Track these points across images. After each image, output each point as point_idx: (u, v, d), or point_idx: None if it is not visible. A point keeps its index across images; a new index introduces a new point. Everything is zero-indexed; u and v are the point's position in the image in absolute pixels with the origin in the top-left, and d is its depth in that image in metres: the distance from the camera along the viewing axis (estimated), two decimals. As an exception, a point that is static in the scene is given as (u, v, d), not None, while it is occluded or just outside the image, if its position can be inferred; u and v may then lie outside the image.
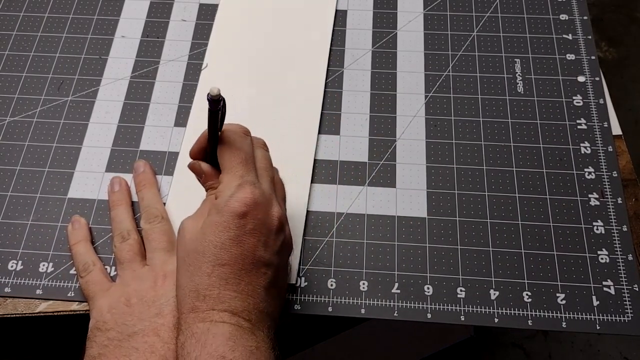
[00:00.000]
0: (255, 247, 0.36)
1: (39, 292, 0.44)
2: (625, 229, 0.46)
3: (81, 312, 0.44)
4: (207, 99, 0.35)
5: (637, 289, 0.43)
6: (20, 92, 0.53)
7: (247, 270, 0.36)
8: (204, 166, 0.40)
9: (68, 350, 0.59)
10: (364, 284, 0.44)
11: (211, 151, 0.39)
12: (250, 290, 0.35)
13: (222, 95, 0.35)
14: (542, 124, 0.51)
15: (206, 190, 0.41)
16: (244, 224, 0.36)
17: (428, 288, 0.44)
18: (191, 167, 0.41)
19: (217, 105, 0.36)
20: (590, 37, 0.55)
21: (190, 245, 0.37)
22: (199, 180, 0.41)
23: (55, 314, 0.44)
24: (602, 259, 0.45)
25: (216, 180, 0.40)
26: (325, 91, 0.53)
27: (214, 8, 0.58)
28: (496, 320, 0.43)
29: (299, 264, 0.45)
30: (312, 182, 0.48)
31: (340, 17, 0.57)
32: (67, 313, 0.44)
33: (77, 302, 0.44)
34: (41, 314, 0.44)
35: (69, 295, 0.44)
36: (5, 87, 0.53)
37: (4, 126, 0.51)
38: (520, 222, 0.46)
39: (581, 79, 0.53)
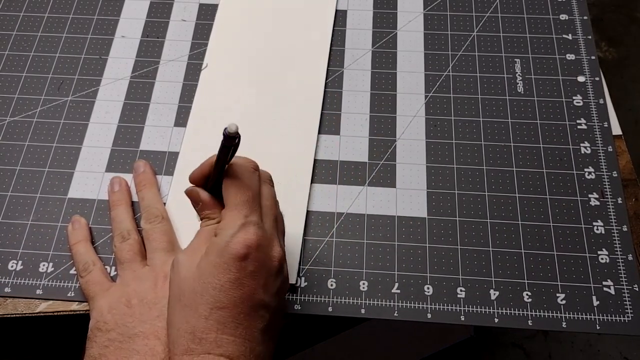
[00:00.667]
0: (255, 290, 0.35)
1: (39, 292, 0.44)
2: (625, 229, 0.46)
3: (81, 312, 0.44)
4: (223, 134, 0.34)
5: (637, 289, 0.43)
6: (20, 92, 0.53)
7: (246, 314, 0.35)
8: (203, 195, 0.39)
9: (68, 350, 0.59)
10: (364, 284, 0.44)
11: (215, 182, 0.38)
12: (247, 334, 0.34)
13: (239, 133, 0.34)
14: (542, 124, 0.50)
15: (200, 219, 0.40)
16: (244, 266, 0.35)
17: (428, 288, 0.44)
18: (188, 193, 0.40)
19: (232, 141, 0.35)
20: (590, 37, 0.55)
21: (185, 284, 0.35)
22: (195, 208, 0.40)
23: (55, 314, 0.44)
24: (602, 259, 0.45)
25: (214, 211, 0.39)
26: (325, 91, 0.53)
27: (214, 8, 0.58)
28: (496, 320, 0.43)
29: (299, 264, 0.45)
30: (312, 182, 0.48)
31: (340, 17, 0.57)
32: (67, 313, 0.44)
33: (77, 302, 0.44)
34: (41, 314, 0.44)
35: (69, 295, 0.44)
36: (5, 87, 0.53)
37: (4, 126, 0.51)
38: (520, 222, 0.46)
39: (581, 79, 0.53)
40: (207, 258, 0.35)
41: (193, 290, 0.35)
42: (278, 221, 0.40)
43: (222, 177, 0.37)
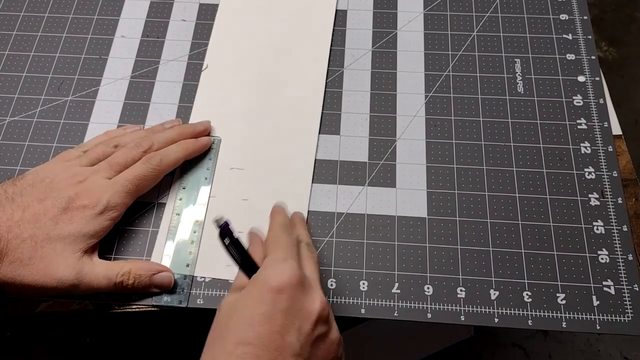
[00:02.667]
0: (286, 330, 0.32)
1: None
2: (625, 228, 0.46)
3: (81, 312, 0.44)
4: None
5: (637, 289, 0.43)
6: (20, 92, 0.53)
7: (271, 355, 0.31)
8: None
9: (68, 351, 0.59)
10: (364, 283, 0.44)
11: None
12: None
13: (223, 219, 0.36)
14: (542, 124, 0.50)
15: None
16: (278, 299, 0.33)
17: (428, 288, 0.44)
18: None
19: (223, 231, 0.36)
20: (590, 37, 0.55)
21: (221, 320, 0.34)
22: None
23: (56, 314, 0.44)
24: (602, 258, 0.45)
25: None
26: (325, 91, 0.53)
27: (214, 8, 0.58)
28: (496, 320, 0.43)
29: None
30: (312, 182, 0.48)
31: (340, 17, 0.57)
32: (68, 313, 0.44)
33: (77, 302, 0.44)
34: (41, 314, 0.44)
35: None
36: (5, 87, 0.53)
37: (4, 126, 0.51)
38: (520, 222, 0.46)
39: (581, 78, 0.53)
40: (245, 292, 0.35)
41: (226, 324, 0.33)
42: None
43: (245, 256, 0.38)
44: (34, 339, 0.62)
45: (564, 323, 0.42)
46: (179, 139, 0.47)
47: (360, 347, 0.80)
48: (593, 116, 0.51)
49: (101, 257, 0.44)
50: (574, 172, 0.48)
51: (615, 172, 0.48)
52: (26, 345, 0.62)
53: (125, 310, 0.44)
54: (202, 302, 0.44)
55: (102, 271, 0.41)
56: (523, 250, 0.45)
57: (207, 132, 0.50)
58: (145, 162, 0.44)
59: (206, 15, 0.57)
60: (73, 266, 0.40)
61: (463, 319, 0.43)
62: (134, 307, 0.44)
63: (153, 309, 0.44)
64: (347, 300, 0.44)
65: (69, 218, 0.41)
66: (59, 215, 0.40)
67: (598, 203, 0.47)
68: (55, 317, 0.44)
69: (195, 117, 0.51)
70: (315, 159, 0.49)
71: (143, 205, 0.47)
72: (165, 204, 0.47)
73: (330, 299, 0.44)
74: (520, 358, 1.03)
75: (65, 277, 0.40)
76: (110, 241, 0.45)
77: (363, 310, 0.43)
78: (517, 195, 0.47)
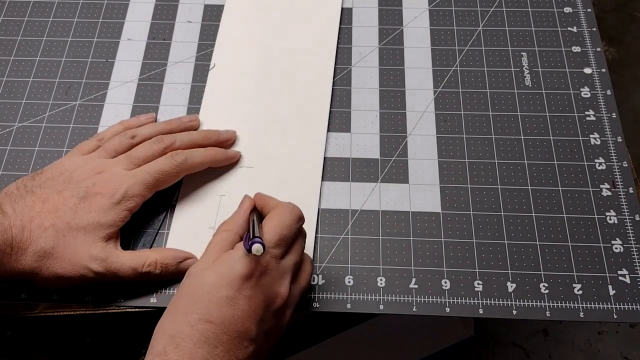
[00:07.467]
0: (247, 317, 0.35)
1: (55, 297, 0.44)
2: (637, 218, 0.46)
3: (81, 312, 0.44)
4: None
5: (652, 277, 0.44)
6: (27, 97, 0.53)
7: (230, 337, 0.34)
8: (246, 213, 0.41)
9: (68, 351, 0.59)
10: (381, 280, 0.44)
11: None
12: (224, 359, 0.33)
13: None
14: (551, 117, 0.51)
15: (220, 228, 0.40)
16: (244, 287, 0.35)
17: (445, 282, 0.44)
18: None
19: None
20: (595, 29, 0.55)
21: (187, 289, 0.36)
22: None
23: (56, 314, 0.44)
24: (616, 248, 0.45)
25: (240, 228, 0.40)
26: (333, 89, 0.53)
27: (219, 9, 0.58)
28: (514, 312, 0.43)
29: (312, 262, 0.45)
30: (325, 179, 0.48)
31: (346, 15, 0.57)
32: (68, 313, 0.44)
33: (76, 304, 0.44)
34: (41, 314, 0.44)
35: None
36: (12, 92, 0.53)
37: (13, 132, 0.51)
38: (534, 214, 0.46)
39: (588, 70, 0.53)
40: (215, 268, 0.36)
41: (192, 296, 0.35)
42: (302, 275, 0.40)
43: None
44: (34, 339, 0.62)
45: (582, 313, 0.43)
46: (203, 143, 0.47)
47: (360, 347, 0.80)
48: (601, 107, 0.51)
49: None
50: (585, 163, 0.49)
51: (625, 162, 0.48)
52: (26, 345, 0.62)
53: (125, 310, 0.44)
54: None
55: (127, 261, 0.41)
56: (538, 242, 0.45)
57: (231, 141, 0.49)
58: (170, 158, 0.44)
59: (212, 16, 0.57)
60: (97, 255, 0.40)
61: (481, 312, 0.43)
62: (135, 307, 0.44)
63: (153, 309, 0.43)
64: (365, 297, 0.44)
65: (87, 207, 0.41)
66: (78, 204, 0.41)
67: (610, 193, 0.47)
68: (55, 317, 0.44)
69: (204, 117, 0.51)
70: (327, 157, 0.50)
71: (159, 207, 0.47)
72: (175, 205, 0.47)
73: (348, 296, 0.44)
74: (520, 358, 1.03)
75: (92, 266, 0.40)
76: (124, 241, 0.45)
77: (381, 307, 0.43)
78: (529, 187, 0.48)
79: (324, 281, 0.44)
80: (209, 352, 0.33)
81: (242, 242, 0.36)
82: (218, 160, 0.47)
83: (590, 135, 0.50)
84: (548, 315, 0.43)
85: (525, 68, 0.53)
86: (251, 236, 0.36)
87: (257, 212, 0.42)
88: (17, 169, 0.49)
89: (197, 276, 0.36)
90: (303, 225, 0.41)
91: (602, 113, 0.51)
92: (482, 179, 0.48)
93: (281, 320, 0.38)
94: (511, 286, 0.44)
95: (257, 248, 0.34)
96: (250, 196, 0.43)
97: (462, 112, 0.51)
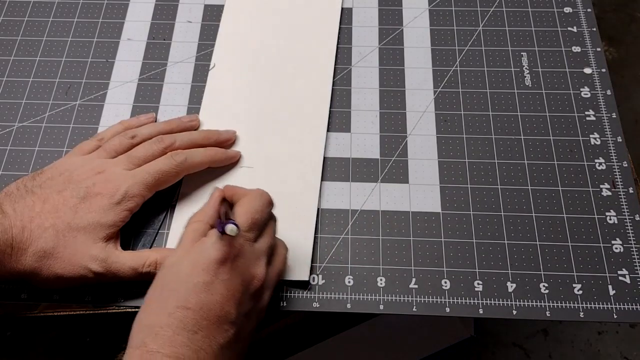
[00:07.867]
0: (225, 301, 0.35)
1: (55, 297, 0.44)
2: (637, 218, 0.46)
3: (81, 312, 0.44)
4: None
5: (652, 277, 0.44)
6: (27, 97, 0.53)
7: (209, 322, 0.34)
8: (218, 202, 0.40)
9: (68, 351, 0.59)
10: (381, 280, 0.44)
11: None
12: (205, 344, 0.33)
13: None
14: (551, 117, 0.51)
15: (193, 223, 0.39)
16: (220, 272, 0.35)
17: (445, 282, 0.44)
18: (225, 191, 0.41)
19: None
20: (595, 29, 0.55)
21: (162, 280, 0.36)
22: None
23: (56, 314, 0.44)
24: (616, 248, 0.45)
25: (211, 218, 0.39)
26: (333, 89, 0.53)
27: (219, 9, 0.58)
28: (514, 312, 0.43)
29: (312, 262, 0.45)
30: (325, 179, 0.48)
31: (346, 15, 0.57)
32: (68, 313, 0.44)
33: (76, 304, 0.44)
34: (41, 314, 0.44)
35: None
36: (12, 92, 0.53)
37: (13, 132, 0.51)
38: (534, 214, 0.46)
39: (587, 70, 0.53)
40: (189, 257, 0.36)
41: (168, 286, 0.35)
42: (277, 258, 0.41)
43: None
44: (34, 339, 0.62)
45: (582, 313, 0.43)
46: (203, 143, 0.47)
47: (360, 347, 0.80)
48: (601, 107, 0.51)
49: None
50: (585, 163, 0.49)
51: (625, 162, 0.49)
52: (26, 345, 0.62)
53: (125, 310, 0.44)
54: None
55: (127, 261, 0.41)
56: (538, 242, 0.45)
57: (231, 141, 0.49)
58: (169, 158, 0.44)
59: (212, 16, 0.57)
60: (97, 255, 0.40)
61: (481, 312, 0.43)
62: (135, 307, 0.44)
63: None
64: (365, 297, 0.44)
65: (87, 207, 0.41)
66: (78, 204, 0.41)
67: (610, 193, 0.47)
68: (55, 317, 0.44)
69: (203, 117, 0.51)
70: (327, 157, 0.50)
71: (159, 207, 0.47)
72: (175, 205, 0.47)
73: (348, 296, 0.44)
74: (520, 358, 1.03)
75: (92, 266, 0.40)
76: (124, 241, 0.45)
77: (381, 306, 0.43)
78: (529, 187, 0.48)
79: (324, 281, 0.44)
80: (189, 338, 0.33)
81: (214, 229, 0.36)
82: (218, 160, 0.47)
83: (590, 135, 0.50)
84: (548, 315, 0.43)
85: (525, 68, 0.53)
86: (223, 220, 0.36)
87: (227, 202, 0.41)
88: (17, 169, 0.49)
89: (172, 267, 0.36)
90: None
91: (602, 113, 0.51)
92: (482, 179, 0.48)
93: (259, 302, 0.38)
94: (511, 286, 0.44)
95: (231, 228, 0.34)
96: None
97: (462, 112, 0.51)
